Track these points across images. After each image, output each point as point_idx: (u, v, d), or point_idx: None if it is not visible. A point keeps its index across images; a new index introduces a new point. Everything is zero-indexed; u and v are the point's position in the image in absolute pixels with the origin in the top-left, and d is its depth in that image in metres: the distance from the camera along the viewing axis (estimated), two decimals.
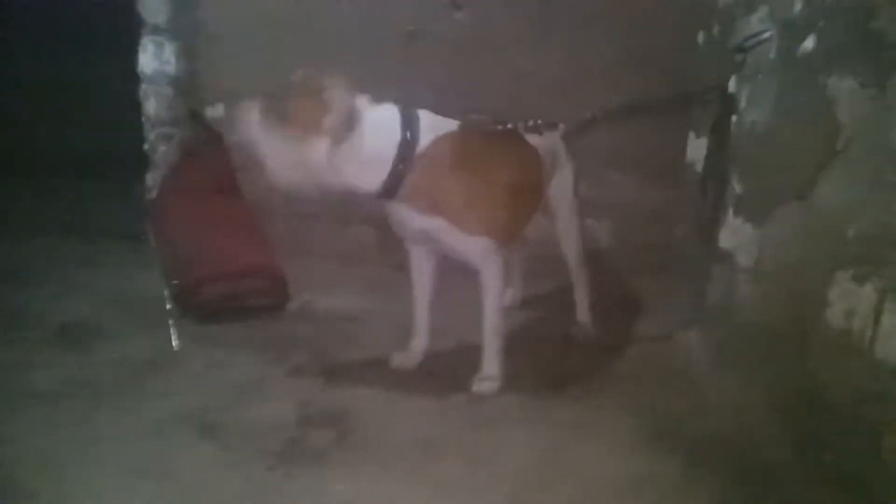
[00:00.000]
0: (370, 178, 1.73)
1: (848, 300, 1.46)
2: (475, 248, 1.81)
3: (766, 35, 1.99)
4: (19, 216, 2.99)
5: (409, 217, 1.79)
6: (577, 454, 1.64)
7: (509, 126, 1.95)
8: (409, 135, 1.72)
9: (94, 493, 1.40)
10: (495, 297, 1.90)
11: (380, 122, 1.71)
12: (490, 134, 1.90)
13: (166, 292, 2.35)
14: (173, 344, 2.08)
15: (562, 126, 2.19)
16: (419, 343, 2.06)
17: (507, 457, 1.62)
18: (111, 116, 3.16)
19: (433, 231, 1.79)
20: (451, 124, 1.81)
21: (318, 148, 1.66)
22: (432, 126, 1.76)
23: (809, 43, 1.73)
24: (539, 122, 1.98)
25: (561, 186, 2.22)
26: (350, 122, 1.66)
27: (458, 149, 1.77)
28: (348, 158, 1.68)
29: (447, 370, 2.04)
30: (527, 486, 1.51)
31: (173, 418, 1.68)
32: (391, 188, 1.73)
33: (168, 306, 2.28)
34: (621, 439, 1.72)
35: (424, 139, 1.73)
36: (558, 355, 2.20)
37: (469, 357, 2.10)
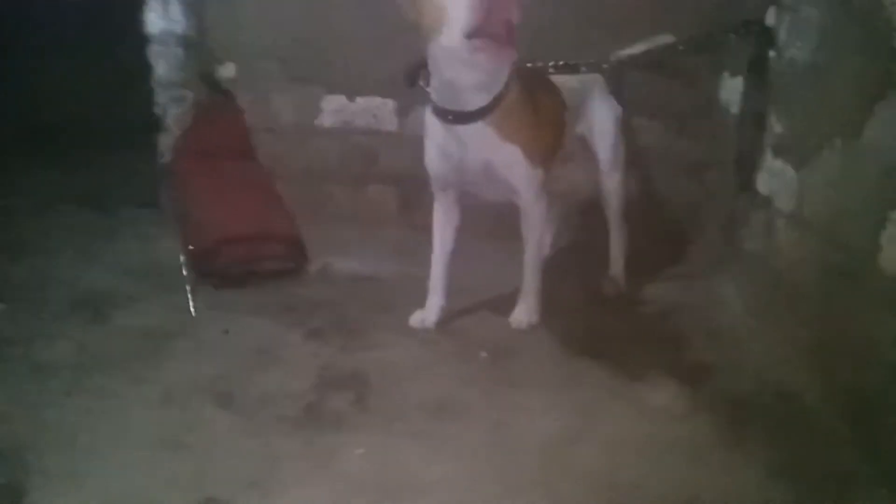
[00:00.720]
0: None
1: None
2: (534, 180, 1.87)
3: None
4: (33, 188, 2.96)
5: (486, 143, 1.78)
6: (607, 417, 1.57)
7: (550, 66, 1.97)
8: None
9: (110, 466, 1.37)
10: (539, 233, 1.96)
11: None
12: (527, 71, 1.89)
13: (182, 258, 2.30)
14: (191, 311, 2.04)
15: (583, 68, 2.07)
16: (436, 300, 2.01)
17: (532, 420, 1.55)
18: (121, 81, 3.09)
19: (500, 161, 1.80)
20: None
21: None
22: None
23: None
24: (560, 63, 1.91)
25: (599, 130, 2.15)
26: None
27: (526, 83, 1.82)
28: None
29: (468, 331, 1.97)
30: (553, 450, 1.45)
31: (190, 387, 1.65)
32: (491, 107, 1.74)
33: (185, 273, 2.24)
34: (657, 400, 1.63)
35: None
36: (587, 312, 2.11)
37: (490, 318, 2.04)
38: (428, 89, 1.79)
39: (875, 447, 1.40)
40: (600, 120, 2.15)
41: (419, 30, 1.67)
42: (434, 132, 1.85)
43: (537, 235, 1.96)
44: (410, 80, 1.85)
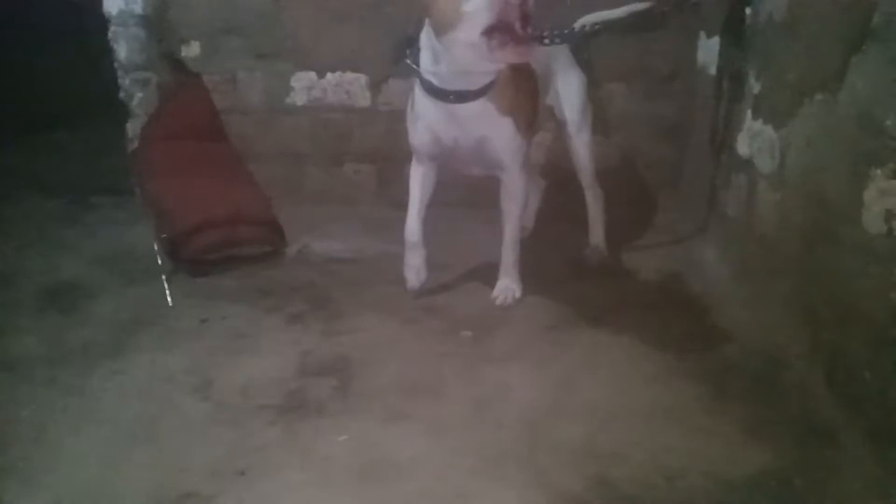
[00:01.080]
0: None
1: (887, 199, 1.31)
2: (520, 152, 1.87)
3: None
4: (2, 175, 2.87)
5: (484, 118, 1.77)
6: (591, 389, 1.55)
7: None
8: None
9: (84, 461, 1.33)
10: (520, 207, 1.95)
11: None
12: None
13: (156, 246, 2.24)
14: (167, 300, 1.99)
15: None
16: (419, 253, 1.98)
17: (513, 394, 1.53)
18: (85, 64, 2.99)
19: (495, 135, 1.80)
20: None
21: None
22: None
23: None
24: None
25: (565, 96, 2.11)
26: None
27: None
28: None
29: (450, 308, 1.94)
30: (534, 423, 1.43)
31: (167, 378, 1.61)
32: (493, 82, 1.73)
33: (159, 261, 2.18)
34: (640, 369, 1.62)
35: None
36: (569, 283, 2.08)
37: (472, 293, 2.01)
38: (421, 70, 1.74)
39: (856, 405, 1.39)
40: (566, 87, 2.11)
41: (433, 22, 1.63)
42: (426, 112, 1.81)
43: (518, 209, 1.95)
44: (397, 55, 1.80)
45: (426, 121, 1.83)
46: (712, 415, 1.44)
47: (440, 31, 1.61)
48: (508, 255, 1.98)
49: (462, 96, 1.73)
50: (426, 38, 1.71)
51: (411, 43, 1.78)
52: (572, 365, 1.64)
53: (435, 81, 1.73)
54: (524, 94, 1.86)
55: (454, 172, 1.97)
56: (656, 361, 1.64)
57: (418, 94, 1.81)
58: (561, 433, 1.40)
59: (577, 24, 2.10)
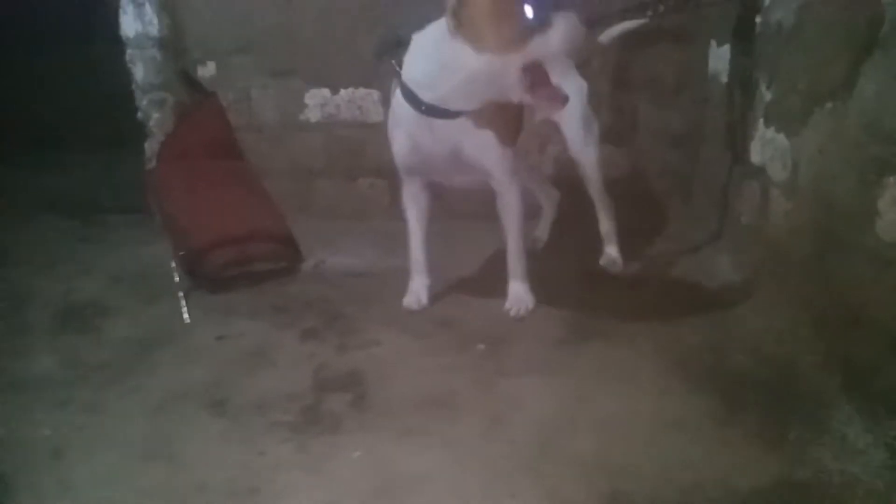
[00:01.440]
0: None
1: None
2: (506, 159, 1.83)
3: None
4: (12, 195, 2.92)
5: (459, 131, 1.73)
6: (605, 401, 1.54)
7: None
8: None
9: (101, 479, 1.35)
10: (517, 215, 1.92)
11: None
12: None
13: (174, 264, 2.27)
14: (184, 317, 2.01)
15: None
16: (421, 280, 2.02)
17: (526, 408, 1.53)
18: (103, 85, 3.05)
19: (472, 146, 1.76)
20: None
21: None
22: None
23: None
24: None
25: (565, 110, 2.04)
26: None
27: None
28: None
29: (463, 321, 1.94)
30: (547, 437, 1.42)
31: (182, 395, 1.62)
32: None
33: (176, 278, 2.21)
34: (654, 381, 1.61)
35: None
36: (582, 294, 2.07)
37: (484, 305, 2.01)
38: (403, 73, 1.71)
39: (872, 414, 1.37)
40: None
41: (471, 33, 1.54)
42: (404, 120, 1.77)
43: (516, 218, 1.92)
44: (379, 53, 1.77)
45: (404, 127, 1.78)
46: (726, 426, 1.43)
47: (480, 44, 1.53)
48: (516, 266, 1.97)
49: (434, 111, 1.69)
50: (430, 43, 1.64)
51: (399, 43, 1.73)
52: (585, 378, 1.63)
53: (415, 90, 1.69)
54: (504, 107, 1.78)
55: (445, 184, 1.95)
56: (669, 373, 1.63)
57: (398, 100, 1.76)
58: (574, 447, 1.39)
59: (604, 39, 2.10)
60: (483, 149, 1.78)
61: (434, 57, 1.63)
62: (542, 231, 2.47)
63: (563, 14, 1.52)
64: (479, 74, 1.57)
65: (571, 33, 1.53)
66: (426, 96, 1.68)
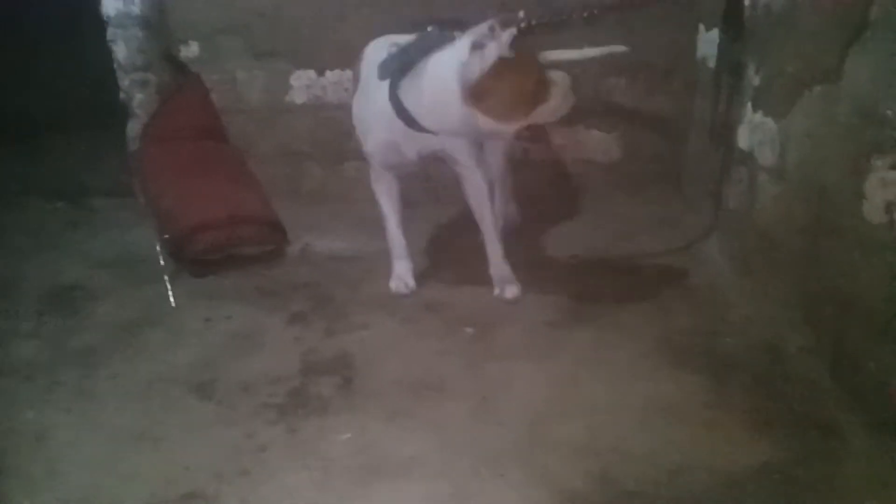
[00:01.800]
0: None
1: (888, 190, 1.30)
2: (471, 148, 1.86)
3: None
4: (1, 178, 2.87)
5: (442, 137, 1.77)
6: (593, 384, 1.55)
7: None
8: None
9: (89, 462, 1.34)
10: (487, 201, 1.92)
11: None
12: None
13: (159, 247, 2.24)
14: (170, 301, 1.99)
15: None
16: (404, 264, 2.03)
17: (518, 392, 1.53)
18: (85, 66, 2.98)
19: (446, 144, 1.81)
20: None
21: None
22: None
23: None
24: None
25: None
26: None
27: None
28: None
29: (450, 306, 1.93)
30: (534, 420, 1.43)
31: (170, 378, 1.62)
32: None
33: (162, 262, 2.18)
34: (642, 364, 1.62)
35: None
36: (570, 278, 2.08)
37: (472, 290, 2.00)
38: (406, 105, 1.69)
39: (859, 397, 1.39)
40: None
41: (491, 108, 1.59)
42: (385, 123, 1.75)
43: (485, 199, 1.92)
44: (383, 76, 1.72)
45: (386, 132, 1.78)
46: (715, 409, 1.44)
47: (494, 117, 1.59)
48: (494, 250, 1.96)
49: (423, 129, 1.71)
50: (439, 85, 1.60)
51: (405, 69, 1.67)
52: (574, 361, 1.64)
53: (411, 111, 1.68)
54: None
55: (413, 167, 1.93)
56: (658, 356, 1.64)
57: (380, 103, 1.72)
58: (562, 430, 1.40)
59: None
60: (454, 140, 1.81)
61: (441, 99, 1.62)
62: (510, 208, 2.36)
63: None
64: (480, 127, 1.63)
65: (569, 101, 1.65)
66: (422, 121, 1.69)
